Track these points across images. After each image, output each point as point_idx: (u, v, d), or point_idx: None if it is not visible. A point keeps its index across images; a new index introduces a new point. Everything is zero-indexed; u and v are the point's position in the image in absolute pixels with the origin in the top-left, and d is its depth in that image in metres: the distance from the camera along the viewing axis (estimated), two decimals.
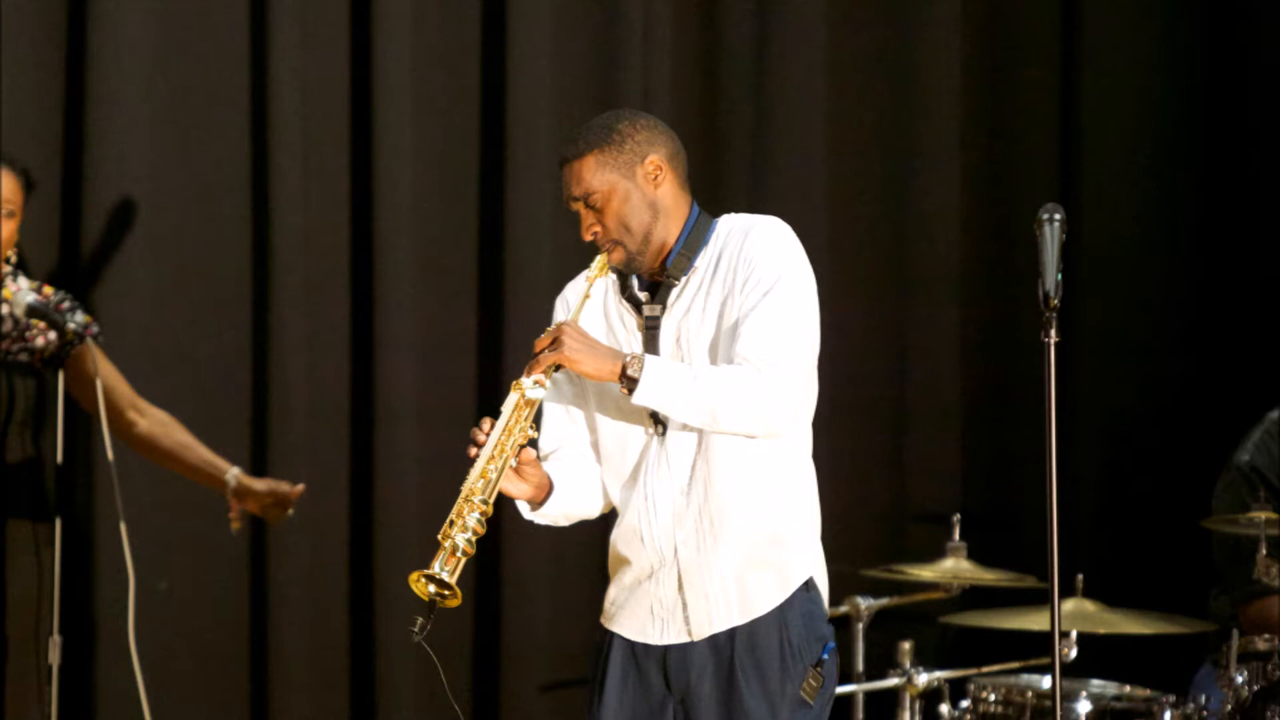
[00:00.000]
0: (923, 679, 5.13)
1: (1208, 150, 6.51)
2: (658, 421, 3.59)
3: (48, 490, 4.72)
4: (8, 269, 4.68)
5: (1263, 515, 4.99)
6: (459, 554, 3.40)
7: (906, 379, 6.33)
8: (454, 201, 5.80)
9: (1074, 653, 4.93)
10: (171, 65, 5.49)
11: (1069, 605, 5.23)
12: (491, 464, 3.45)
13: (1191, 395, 6.41)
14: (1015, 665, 5.27)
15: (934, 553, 5.37)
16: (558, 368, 3.50)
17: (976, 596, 5.56)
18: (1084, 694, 5.15)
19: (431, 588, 3.38)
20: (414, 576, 3.39)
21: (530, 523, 3.66)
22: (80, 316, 4.73)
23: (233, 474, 4.81)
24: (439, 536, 3.42)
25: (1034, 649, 5.22)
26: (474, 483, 3.44)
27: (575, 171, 3.60)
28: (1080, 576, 5.27)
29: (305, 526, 5.37)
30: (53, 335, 4.68)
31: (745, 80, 6.13)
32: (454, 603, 3.39)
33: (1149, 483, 6.36)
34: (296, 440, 5.55)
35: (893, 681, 5.18)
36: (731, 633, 3.58)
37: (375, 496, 5.65)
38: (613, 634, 3.67)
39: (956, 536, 5.33)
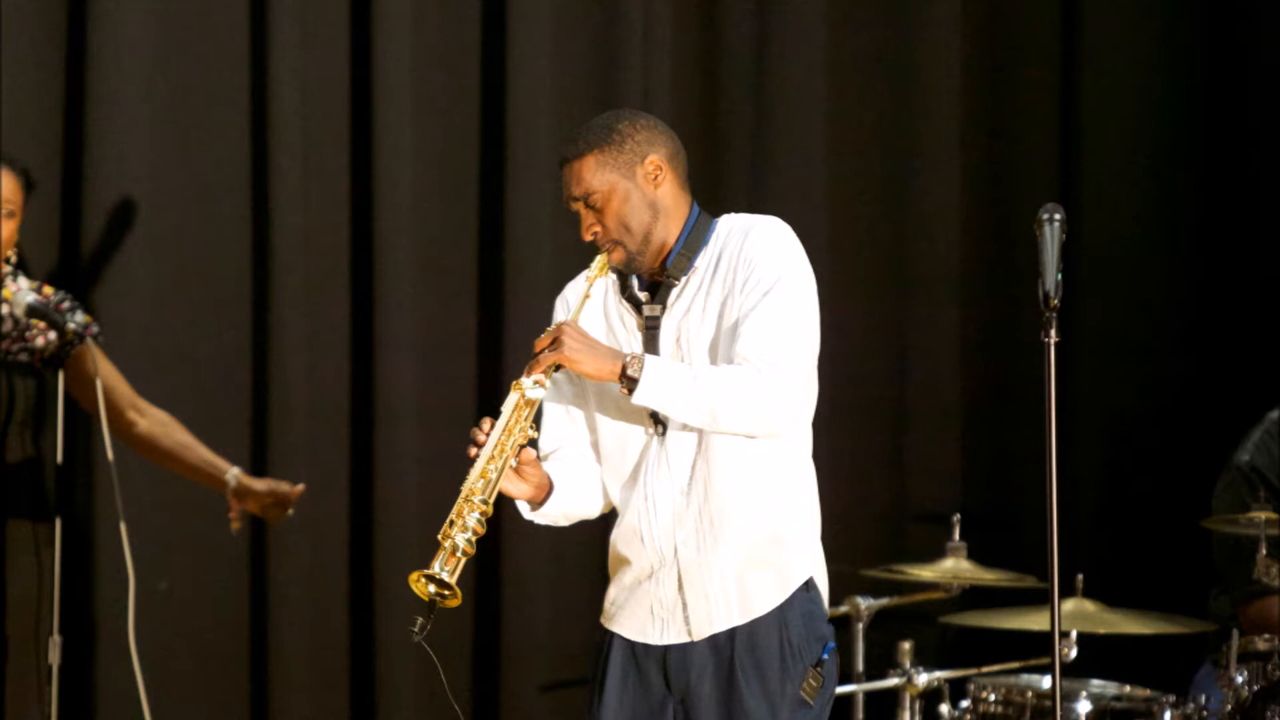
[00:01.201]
0: (923, 679, 5.13)
1: (1208, 150, 6.50)
2: (658, 421, 3.59)
3: (48, 490, 4.72)
4: (8, 269, 4.68)
5: (1263, 515, 4.99)
6: (459, 554, 3.40)
7: (906, 379, 6.33)
8: (454, 201, 5.80)
9: (1074, 653, 4.93)
10: (171, 65, 5.49)
11: (1069, 605, 5.23)
12: (491, 464, 3.45)
13: (1191, 395, 6.40)
14: (1015, 665, 5.27)
15: (934, 553, 5.36)
16: (558, 368, 3.50)
17: (976, 596, 5.56)
18: (1084, 694, 5.14)
19: (431, 588, 3.38)
20: (414, 576, 3.39)
21: (530, 523, 3.66)
22: (80, 316, 4.73)
23: (233, 474, 4.81)
24: (439, 536, 3.42)
25: (1034, 649, 5.22)
26: (474, 483, 3.44)
27: (575, 171, 3.60)
28: (1080, 576, 5.27)
29: (305, 526, 5.37)
30: (53, 335, 4.68)
31: (745, 80, 6.12)
32: (454, 603, 3.39)
33: (1149, 483, 6.36)
34: (296, 440, 5.55)
35: (893, 681, 5.17)
36: (731, 633, 3.57)
37: (375, 496, 5.64)
38: (613, 634, 3.66)
39: (956, 536, 5.33)
